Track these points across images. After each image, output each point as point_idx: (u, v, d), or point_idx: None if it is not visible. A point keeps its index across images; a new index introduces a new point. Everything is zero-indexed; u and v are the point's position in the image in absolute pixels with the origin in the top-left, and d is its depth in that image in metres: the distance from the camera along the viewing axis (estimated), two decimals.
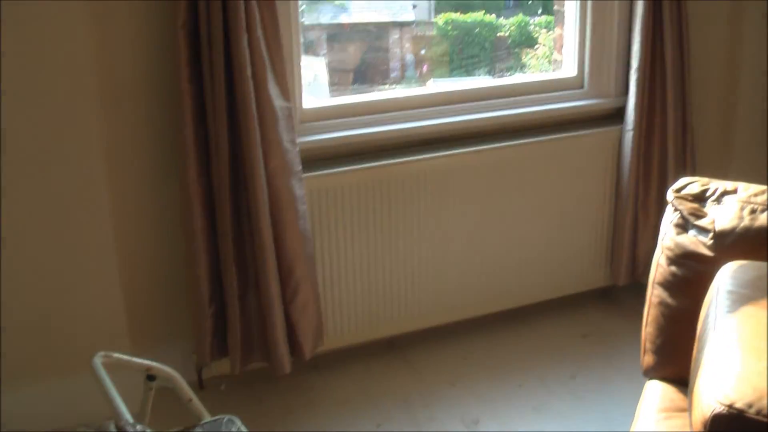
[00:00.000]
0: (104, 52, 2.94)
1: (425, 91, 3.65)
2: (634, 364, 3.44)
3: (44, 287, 2.96)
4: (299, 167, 3.13)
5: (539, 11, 6.45)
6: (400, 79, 6.33)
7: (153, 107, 3.08)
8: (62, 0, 2.75)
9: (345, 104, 3.45)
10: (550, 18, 6.73)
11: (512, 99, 3.67)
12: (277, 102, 3.01)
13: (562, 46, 3.83)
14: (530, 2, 7.14)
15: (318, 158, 3.34)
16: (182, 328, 3.29)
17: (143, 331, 3.24)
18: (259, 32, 2.92)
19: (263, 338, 3.20)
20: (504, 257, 3.69)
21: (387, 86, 6.22)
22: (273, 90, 3.00)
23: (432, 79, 6.36)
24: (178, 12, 2.86)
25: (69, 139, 2.88)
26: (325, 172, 3.29)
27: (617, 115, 3.75)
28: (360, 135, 3.39)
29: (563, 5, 3.77)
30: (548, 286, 3.83)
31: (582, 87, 3.77)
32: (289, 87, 3.09)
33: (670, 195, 2.66)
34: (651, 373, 2.72)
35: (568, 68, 3.79)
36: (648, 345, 2.72)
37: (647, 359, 2.73)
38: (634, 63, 3.59)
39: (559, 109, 3.70)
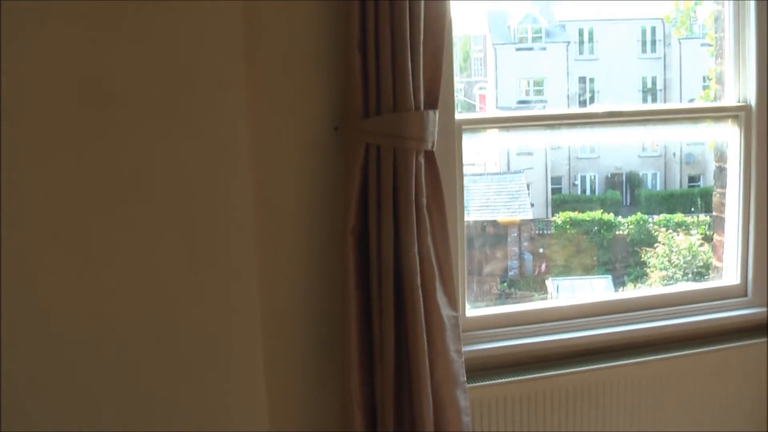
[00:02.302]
0: (273, 254, 2.97)
1: (583, 300, 3.58)
2: None
3: None
4: (464, 378, 3.06)
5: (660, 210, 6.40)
6: (519, 279, 6.30)
7: (317, 309, 3.07)
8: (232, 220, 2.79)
9: (505, 313, 3.41)
10: (670, 216, 6.67)
11: (673, 309, 3.58)
12: (445, 311, 2.98)
13: (722, 254, 3.75)
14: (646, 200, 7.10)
15: (478, 368, 3.27)
16: None
17: None
18: (429, 240, 2.92)
19: None
20: None
21: (505, 286, 6.19)
22: (441, 299, 2.97)
23: (550, 278, 6.32)
24: (348, 217, 2.88)
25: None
26: (488, 382, 3.22)
27: None
28: (520, 345, 3.34)
29: (723, 211, 3.71)
30: None
31: (746, 295, 3.67)
32: (455, 295, 3.06)
33: None
34: None
35: (730, 276, 3.70)
36: None
37: None
38: None
39: (722, 318, 3.60)
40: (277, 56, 2.92)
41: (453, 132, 3.16)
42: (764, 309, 3.65)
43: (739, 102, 3.61)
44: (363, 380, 2.98)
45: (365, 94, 2.85)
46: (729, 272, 3.72)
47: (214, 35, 2.70)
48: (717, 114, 3.65)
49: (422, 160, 2.90)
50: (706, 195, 5.80)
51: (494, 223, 6.30)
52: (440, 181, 2.96)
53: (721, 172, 3.73)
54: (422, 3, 2.86)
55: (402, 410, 3.00)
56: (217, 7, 2.69)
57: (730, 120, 3.62)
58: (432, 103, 2.93)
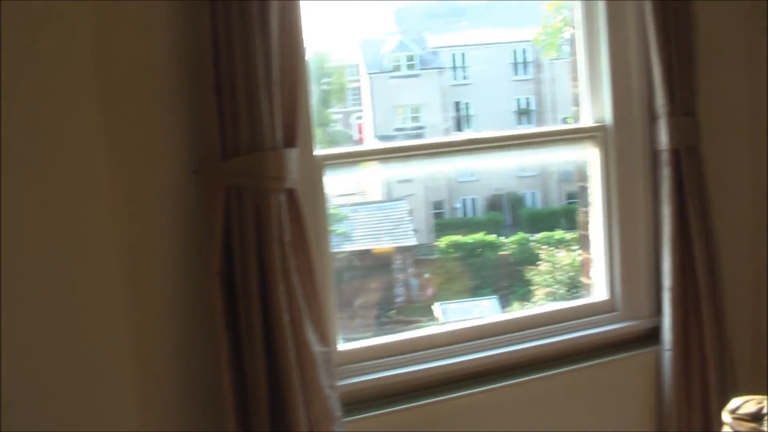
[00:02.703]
0: (137, 300, 2.92)
1: (458, 326, 3.61)
2: None
3: None
4: (340, 413, 3.05)
5: (541, 229, 6.50)
6: (406, 305, 6.33)
7: (188, 355, 3.02)
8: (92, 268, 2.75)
9: (379, 345, 3.42)
10: (551, 234, 6.77)
11: (547, 328, 3.64)
12: (316, 347, 2.98)
13: (590, 270, 3.83)
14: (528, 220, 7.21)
15: (355, 401, 3.26)
16: None
17: None
18: (295, 278, 2.92)
19: None
20: None
21: (393, 313, 6.21)
22: (311, 336, 2.96)
23: (437, 302, 6.36)
24: (213, 259, 2.85)
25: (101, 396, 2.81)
26: (365, 415, 3.22)
27: (653, 335, 3.70)
28: (396, 375, 3.34)
29: (588, 229, 3.79)
30: None
31: (615, 310, 3.75)
32: (325, 330, 3.06)
33: (726, 416, 2.61)
34: None
35: (599, 292, 3.78)
36: None
37: None
38: (666, 282, 3.58)
39: (594, 334, 3.67)
40: (133, 102, 2.89)
41: (314, 168, 3.17)
42: (633, 322, 3.74)
43: (596, 122, 3.70)
44: (239, 422, 2.94)
45: (222, 136, 2.85)
46: (598, 289, 3.80)
47: (68, 83, 2.67)
48: (575, 135, 3.73)
49: (283, 199, 2.90)
50: None
51: (373, 252, 6.32)
52: (303, 218, 2.97)
53: (584, 191, 3.82)
54: (276, 41, 2.87)
55: None
56: (70, 55, 2.66)
57: (588, 140, 3.71)
58: (291, 141, 2.94)
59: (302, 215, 2.97)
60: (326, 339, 3.05)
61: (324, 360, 3.01)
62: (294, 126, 2.95)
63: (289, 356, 2.89)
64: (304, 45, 3.04)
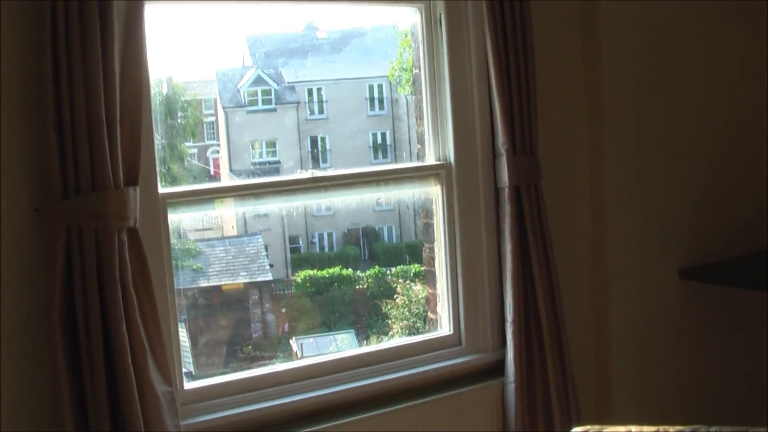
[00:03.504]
0: None
1: (306, 362, 3.63)
2: None
3: None
4: None
5: (397, 262, 6.57)
6: (263, 341, 6.32)
7: (29, 399, 2.95)
8: None
9: (226, 382, 3.39)
10: (407, 268, 6.85)
11: (393, 363, 3.68)
12: (160, 387, 2.95)
13: (435, 305, 3.89)
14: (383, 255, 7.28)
15: None
16: None
17: None
18: (138, 317, 2.89)
19: None
20: None
21: (250, 349, 6.18)
22: (155, 376, 2.94)
23: (294, 337, 6.36)
24: (53, 300, 2.80)
25: None
26: None
27: (498, 368, 3.78)
28: (244, 413, 3.32)
29: (433, 265, 3.86)
30: None
31: (460, 344, 3.82)
32: (169, 370, 3.03)
33: None
34: None
35: (444, 326, 3.84)
36: None
37: None
38: (509, 316, 3.67)
39: (440, 368, 3.73)
40: None
41: (157, 206, 3.15)
42: (478, 356, 3.81)
43: (439, 160, 3.78)
44: None
45: (63, 174, 2.80)
46: (443, 323, 3.86)
47: None
48: (420, 173, 3.80)
49: (125, 238, 2.88)
50: None
51: (227, 287, 6.29)
52: (145, 258, 2.94)
53: (427, 228, 3.89)
54: (118, 77, 2.85)
55: None
56: None
57: (432, 178, 3.78)
58: (132, 180, 2.92)
59: (144, 254, 2.94)
60: (170, 379, 3.02)
61: (168, 400, 2.98)
62: (136, 164, 2.94)
63: (133, 397, 2.85)
64: (148, 80, 3.03)
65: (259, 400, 3.38)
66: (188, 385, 3.29)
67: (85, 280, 2.82)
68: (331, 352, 4.39)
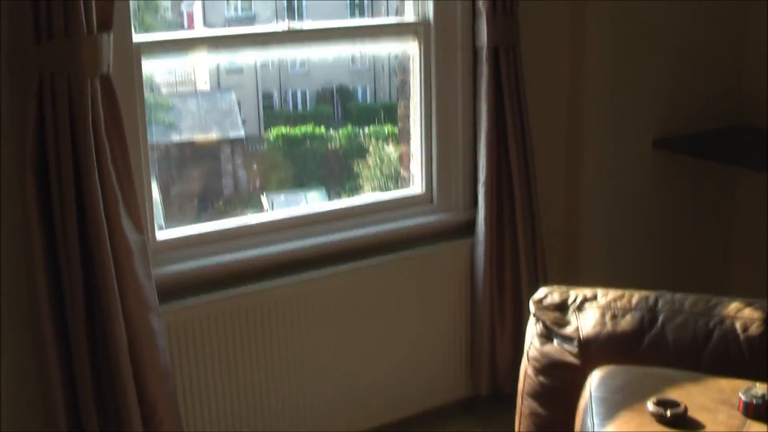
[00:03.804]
0: None
1: (277, 215, 3.63)
2: None
3: None
4: (156, 302, 3.06)
5: (370, 123, 6.55)
6: (234, 197, 6.32)
7: (2, 245, 2.95)
8: None
9: (198, 233, 3.41)
10: (379, 128, 6.84)
11: (364, 218, 3.70)
12: (131, 236, 2.95)
13: (408, 163, 3.90)
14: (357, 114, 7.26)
15: (175, 289, 3.26)
16: None
17: None
18: (110, 165, 2.87)
19: None
20: (366, 376, 3.69)
21: (221, 205, 6.19)
22: (126, 224, 2.93)
23: (264, 194, 6.37)
24: (26, 150, 2.78)
25: None
26: (183, 304, 3.23)
27: (468, 228, 3.82)
28: (215, 263, 3.35)
29: (408, 123, 3.85)
30: (412, 402, 3.82)
31: (431, 202, 3.84)
32: (141, 219, 3.03)
33: (531, 306, 2.71)
34: None
35: (416, 184, 3.85)
36: None
37: None
38: (481, 177, 3.68)
39: (410, 225, 3.76)
40: None
41: (131, 55, 3.10)
42: (449, 214, 3.84)
43: (418, 17, 3.73)
44: (54, 312, 2.91)
45: (36, 19, 2.72)
46: (415, 181, 3.87)
47: None
48: (398, 30, 3.75)
49: (98, 85, 2.83)
50: None
51: (199, 143, 6.26)
52: (118, 106, 2.90)
53: (404, 85, 3.86)
54: None
55: (96, 339, 2.96)
56: None
57: (410, 35, 3.74)
58: (106, 25, 2.85)
59: (117, 102, 2.90)
60: (142, 227, 3.02)
61: (139, 249, 2.99)
62: (110, 9, 2.86)
63: (104, 246, 2.86)
64: None
65: (230, 250, 3.41)
66: (160, 234, 3.30)
67: (57, 128, 2.78)
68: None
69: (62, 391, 2.96)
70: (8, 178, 2.90)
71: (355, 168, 6.34)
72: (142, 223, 3.03)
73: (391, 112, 7.24)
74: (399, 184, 4.21)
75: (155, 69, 3.36)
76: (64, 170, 2.80)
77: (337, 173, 6.66)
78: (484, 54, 3.62)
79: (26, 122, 2.78)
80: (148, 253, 3.05)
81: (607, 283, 2.79)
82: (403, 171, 3.99)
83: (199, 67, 5.52)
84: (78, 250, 2.85)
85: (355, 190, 6.30)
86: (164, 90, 5.73)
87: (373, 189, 6.20)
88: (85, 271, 2.89)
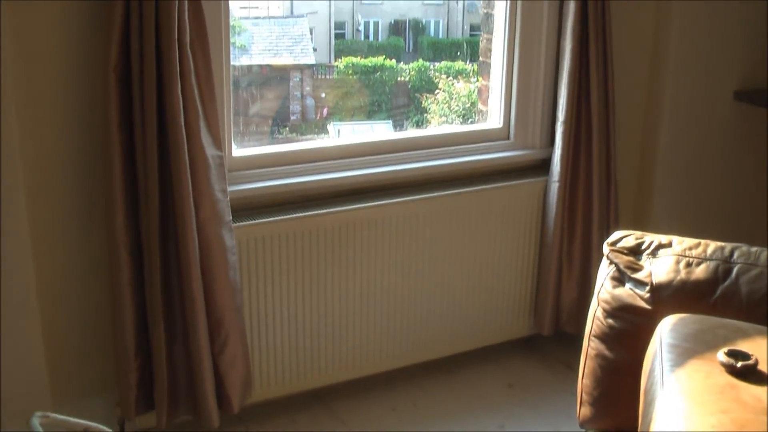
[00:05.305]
0: (30, 95, 2.84)
1: (354, 140, 3.63)
2: (562, 413, 3.48)
3: None
4: (229, 217, 3.07)
5: (441, 58, 6.52)
6: (301, 123, 6.34)
7: (80, 152, 2.99)
8: None
9: (274, 153, 3.42)
10: (451, 64, 6.80)
11: (440, 150, 3.67)
12: (209, 151, 2.96)
13: (487, 98, 3.86)
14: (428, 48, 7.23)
15: (246, 207, 3.29)
16: (106, 380, 3.19)
17: (65, 382, 3.14)
18: (193, 79, 2.87)
19: (191, 392, 3.12)
20: (430, 307, 3.69)
21: (287, 131, 6.21)
22: (205, 138, 2.94)
23: (332, 123, 6.38)
24: (110, 54, 2.78)
25: None
26: (254, 222, 3.24)
27: (543, 166, 3.79)
28: (289, 184, 3.35)
29: (489, 57, 3.80)
30: (474, 336, 3.83)
31: (508, 138, 3.81)
32: (219, 135, 3.04)
33: (605, 248, 2.69)
34: (588, 424, 2.73)
35: (494, 119, 3.82)
36: (585, 397, 2.73)
37: (584, 411, 2.74)
38: (560, 116, 3.63)
39: (485, 160, 3.73)
40: None
41: None
42: (525, 152, 3.81)
43: None
44: (128, 221, 2.95)
45: None
46: (493, 116, 3.84)
47: None
48: None
49: None
50: None
51: (271, 66, 6.27)
52: (204, 20, 2.89)
53: (488, 18, 3.81)
54: None
55: (168, 250, 3.00)
56: None
57: None
58: None
59: (203, 17, 2.88)
60: (220, 143, 3.03)
61: (217, 164, 3.00)
62: None
63: (183, 158, 2.87)
64: None
65: (302, 173, 3.40)
66: (236, 152, 3.30)
67: (142, 38, 2.79)
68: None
69: (132, 304, 3.02)
70: (91, 83, 2.91)
71: (423, 102, 6.32)
72: (221, 139, 3.03)
73: (463, 49, 7.19)
74: (471, 119, 4.17)
75: None
76: (147, 80, 2.81)
77: (405, 107, 6.65)
78: None
79: (112, 28, 2.78)
80: (225, 169, 3.06)
81: (679, 234, 2.76)
82: (481, 105, 3.95)
83: None
84: (157, 160, 2.87)
85: (422, 124, 6.29)
86: (237, 13, 5.72)
87: (440, 125, 6.18)
88: (162, 182, 2.92)
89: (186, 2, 2.83)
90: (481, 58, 3.91)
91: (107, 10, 2.78)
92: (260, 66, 6.45)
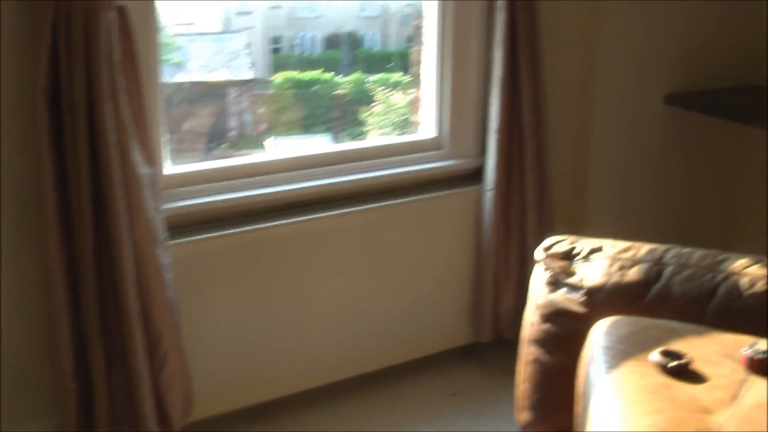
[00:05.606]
0: None
1: (288, 154, 3.64)
2: (506, 419, 3.49)
3: None
4: (164, 235, 3.06)
5: (378, 70, 6.52)
6: (239, 138, 6.30)
7: (11, 174, 2.95)
8: None
9: (209, 169, 3.40)
10: (387, 76, 6.79)
11: (375, 161, 3.70)
12: (142, 169, 2.95)
13: (419, 108, 3.88)
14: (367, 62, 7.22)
15: (183, 224, 3.27)
16: (45, 403, 3.15)
17: (3, 406, 3.09)
18: (123, 98, 2.86)
19: (131, 412, 3.09)
20: (369, 318, 3.70)
21: (226, 146, 6.17)
22: (137, 157, 2.93)
23: (270, 138, 6.35)
24: (39, 76, 2.76)
25: None
26: (191, 239, 3.24)
27: (477, 175, 3.81)
28: (225, 200, 3.35)
29: (420, 68, 3.83)
30: (414, 346, 3.84)
31: (441, 148, 3.83)
32: (152, 153, 3.03)
33: (539, 254, 2.72)
34: (528, 428, 2.76)
35: (427, 130, 3.84)
36: (524, 402, 2.76)
37: (524, 416, 2.77)
38: (493, 124, 3.67)
39: (420, 170, 3.75)
40: None
41: None
42: (458, 161, 3.83)
43: None
44: (63, 242, 2.92)
45: None
46: (426, 127, 3.86)
47: None
48: None
49: (114, 16, 2.81)
50: None
51: (209, 83, 6.23)
52: (133, 38, 2.88)
53: (419, 30, 3.84)
54: None
55: (103, 270, 2.97)
56: None
57: None
58: None
59: (132, 34, 2.88)
60: (153, 161, 3.02)
61: (150, 182, 2.99)
62: None
63: (114, 176, 2.85)
64: None
65: (238, 189, 3.39)
66: (171, 169, 3.29)
67: (70, 57, 2.77)
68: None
69: (68, 325, 2.98)
70: (20, 106, 2.88)
71: (361, 115, 6.31)
72: (154, 156, 3.02)
73: (399, 60, 7.19)
74: (407, 131, 4.19)
75: (166, 7, 3.33)
76: (77, 100, 2.79)
77: (343, 119, 6.63)
78: (500, 2, 3.59)
79: (41, 49, 2.75)
80: (158, 186, 3.04)
81: (612, 237, 2.79)
82: (413, 117, 3.98)
83: (209, 8, 5.50)
84: (89, 180, 2.85)
85: (361, 136, 6.29)
86: (174, 30, 5.68)
87: (379, 137, 6.18)
88: (95, 201, 2.89)
89: (115, 20, 2.82)
90: (412, 70, 3.94)
91: (35, 32, 2.76)
92: (196, 83, 6.40)
